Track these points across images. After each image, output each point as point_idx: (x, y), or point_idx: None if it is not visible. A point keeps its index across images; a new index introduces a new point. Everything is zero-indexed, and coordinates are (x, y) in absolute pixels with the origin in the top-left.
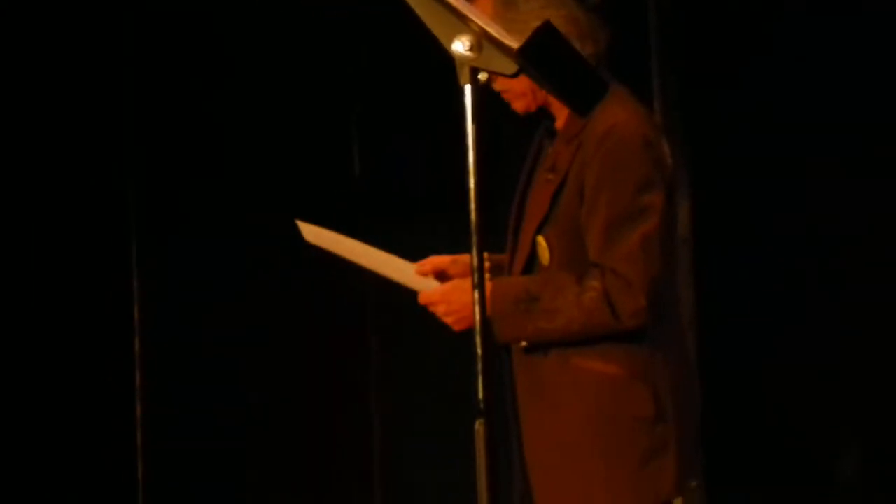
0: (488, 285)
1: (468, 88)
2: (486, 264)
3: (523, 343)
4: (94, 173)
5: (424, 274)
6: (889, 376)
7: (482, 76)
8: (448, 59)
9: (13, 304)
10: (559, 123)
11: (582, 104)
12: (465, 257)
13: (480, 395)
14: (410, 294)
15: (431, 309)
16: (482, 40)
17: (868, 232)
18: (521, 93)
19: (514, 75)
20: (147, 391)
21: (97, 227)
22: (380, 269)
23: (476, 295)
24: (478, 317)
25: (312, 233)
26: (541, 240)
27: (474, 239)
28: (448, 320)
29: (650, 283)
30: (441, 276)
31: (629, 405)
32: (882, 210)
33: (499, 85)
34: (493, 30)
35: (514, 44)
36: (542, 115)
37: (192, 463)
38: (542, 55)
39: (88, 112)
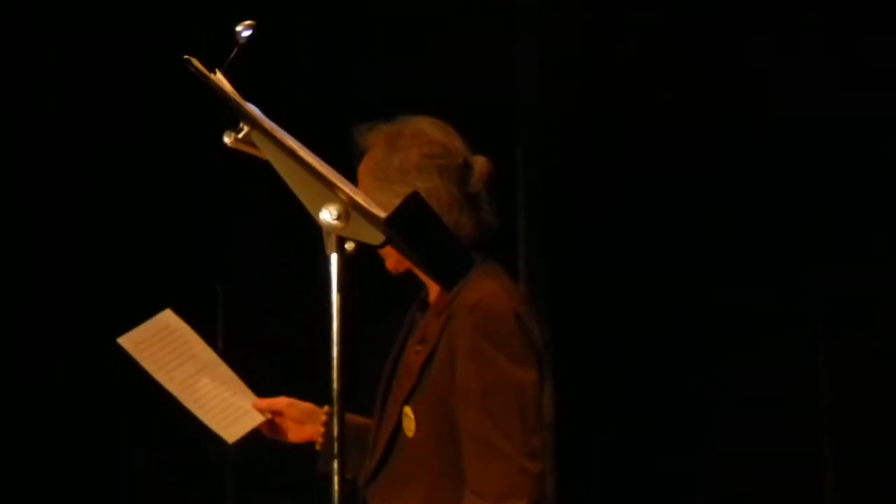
0: None
1: (334, 257)
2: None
3: None
4: None
5: (261, 409)
6: None
7: (349, 245)
8: None
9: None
10: (431, 295)
11: (446, 278)
12: (304, 404)
13: None
14: None
15: None
16: (350, 209)
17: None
18: (390, 252)
19: (381, 246)
20: None
21: None
22: (201, 395)
23: (335, 464)
24: (336, 487)
25: (136, 339)
26: (407, 410)
27: (336, 407)
28: None
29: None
30: (276, 415)
31: None
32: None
33: None
34: (361, 199)
35: (381, 214)
36: (419, 284)
37: None
38: (408, 227)
39: None
